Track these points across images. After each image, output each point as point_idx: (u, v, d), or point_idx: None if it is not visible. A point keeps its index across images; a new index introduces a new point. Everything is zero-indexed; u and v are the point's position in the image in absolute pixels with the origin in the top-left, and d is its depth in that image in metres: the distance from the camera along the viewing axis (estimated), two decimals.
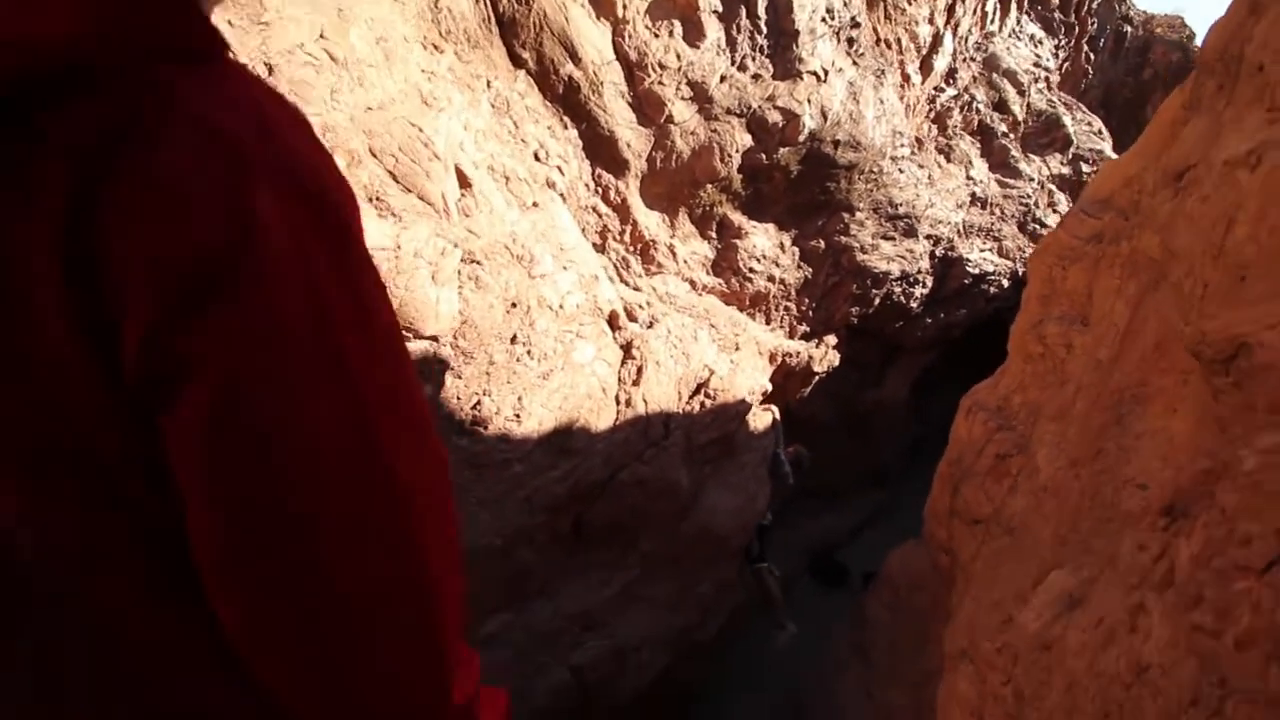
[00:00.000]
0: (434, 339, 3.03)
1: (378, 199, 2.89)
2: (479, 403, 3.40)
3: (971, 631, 1.99)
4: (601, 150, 5.04)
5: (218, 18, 1.93)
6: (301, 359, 0.44)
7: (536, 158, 4.55)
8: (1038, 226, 8.38)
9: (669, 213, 5.71)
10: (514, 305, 3.53)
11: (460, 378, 3.28)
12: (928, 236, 7.36)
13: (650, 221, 5.52)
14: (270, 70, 2.46)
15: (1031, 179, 8.49)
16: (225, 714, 0.50)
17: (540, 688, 4.08)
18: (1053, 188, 8.91)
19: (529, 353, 3.66)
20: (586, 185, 5.08)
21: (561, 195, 4.78)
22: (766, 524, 5.81)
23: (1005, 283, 8.22)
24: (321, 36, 2.78)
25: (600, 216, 5.19)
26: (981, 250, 7.91)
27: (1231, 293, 1.54)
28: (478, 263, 3.31)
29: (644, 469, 4.42)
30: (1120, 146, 10.46)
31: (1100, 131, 9.79)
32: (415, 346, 2.95)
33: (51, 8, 0.41)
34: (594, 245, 5.15)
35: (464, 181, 3.40)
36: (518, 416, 3.58)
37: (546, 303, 3.77)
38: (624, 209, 5.31)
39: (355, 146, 2.80)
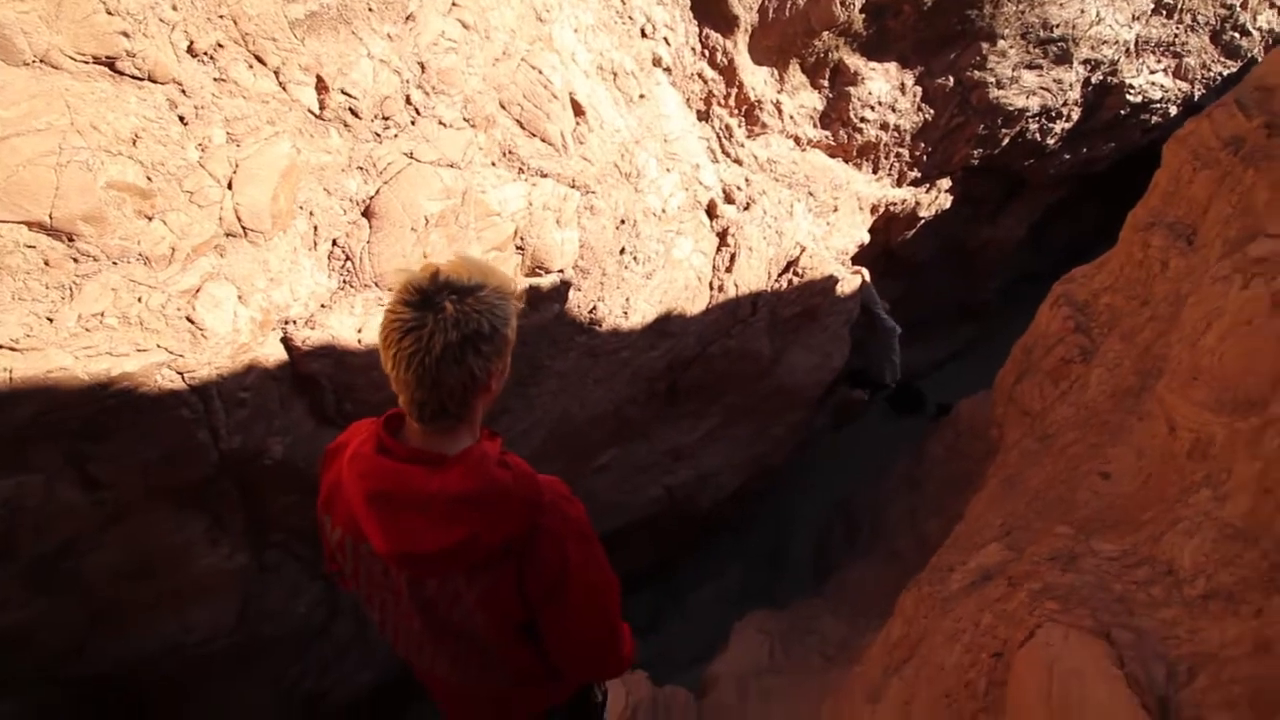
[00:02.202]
0: (560, 271, 3.86)
1: (510, 152, 3.52)
2: (595, 308, 4.32)
3: (954, 553, 2.95)
4: (710, 7, 5.05)
5: (373, 28, 2.54)
6: (596, 573, 1.31)
7: (644, 33, 4.74)
8: (1237, 35, 7.26)
9: (778, 66, 5.69)
10: (622, 222, 4.21)
11: (580, 290, 4.17)
12: (1085, 61, 6.72)
13: (757, 80, 5.59)
14: (423, 68, 3.02)
15: None
16: (534, 668, 1.48)
17: (639, 501, 5.63)
18: None
19: (635, 258, 4.43)
20: (693, 49, 5.19)
21: (666, 69, 5.00)
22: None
23: (1173, 110, 7.49)
24: (454, 5, 3.19)
25: (705, 82, 5.36)
26: (1152, 72, 7.12)
27: (1185, 383, 2.08)
28: (592, 192, 3.95)
29: (730, 342, 5.34)
30: None
31: None
32: (546, 280, 3.82)
33: (508, 523, 1.22)
34: (698, 114, 5.42)
35: (578, 110, 3.87)
36: (625, 314, 4.50)
37: (651, 211, 4.40)
38: (730, 70, 5.40)
39: (490, 111, 3.37)
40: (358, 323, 2.89)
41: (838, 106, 6.16)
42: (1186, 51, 7.12)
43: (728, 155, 5.59)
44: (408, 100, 2.96)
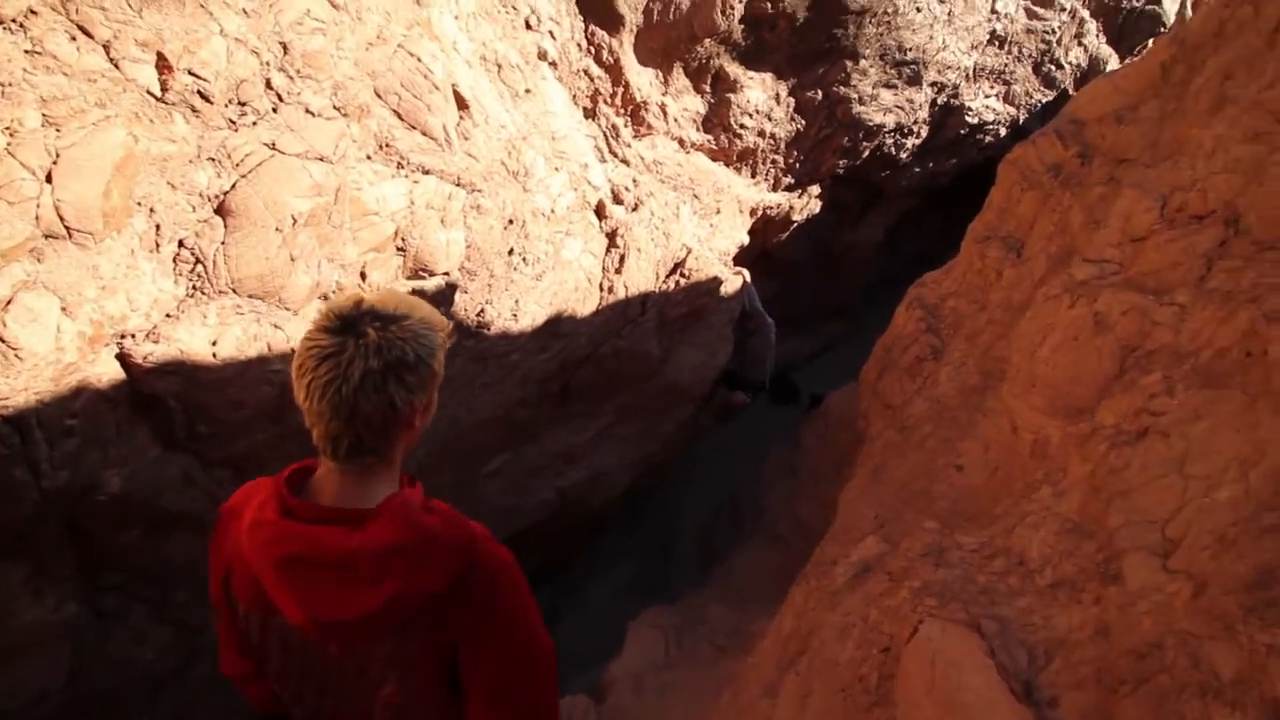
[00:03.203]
0: (446, 274, 3.68)
1: (387, 145, 3.29)
2: (483, 310, 4.16)
3: (825, 546, 3.17)
4: (595, 5, 5.00)
5: (225, 3, 2.29)
6: (529, 623, 1.24)
7: (528, 25, 4.61)
8: (1053, 68, 8.31)
9: (663, 68, 5.76)
10: (510, 222, 4.08)
11: (466, 293, 4.00)
12: (932, 84, 7.40)
13: (643, 81, 5.63)
14: (286, 49, 2.73)
15: (1064, 8, 8.13)
16: None
17: (530, 504, 5.53)
18: (1085, 14, 8.55)
19: (524, 259, 4.31)
20: (579, 45, 5.12)
21: (552, 63, 4.90)
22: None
23: (1002, 131, 8.43)
24: None
25: (592, 80, 5.32)
26: (986, 96, 7.98)
27: (1024, 389, 2.36)
28: (478, 190, 3.79)
29: (621, 343, 5.36)
30: None
31: None
32: (431, 283, 3.63)
33: (440, 570, 1.11)
34: (584, 111, 5.37)
35: (461, 103, 3.70)
36: (515, 316, 4.38)
37: (540, 211, 4.30)
38: (616, 69, 5.40)
39: (364, 99, 3.13)
40: (211, 334, 2.58)
41: (719, 112, 6.35)
42: (1014, 79, 8.04)
43: (615, 155, 5.59)
44: (268, 84, 2.67)
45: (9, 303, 1.98)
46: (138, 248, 2.29)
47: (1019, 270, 4.39)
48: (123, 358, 2.36)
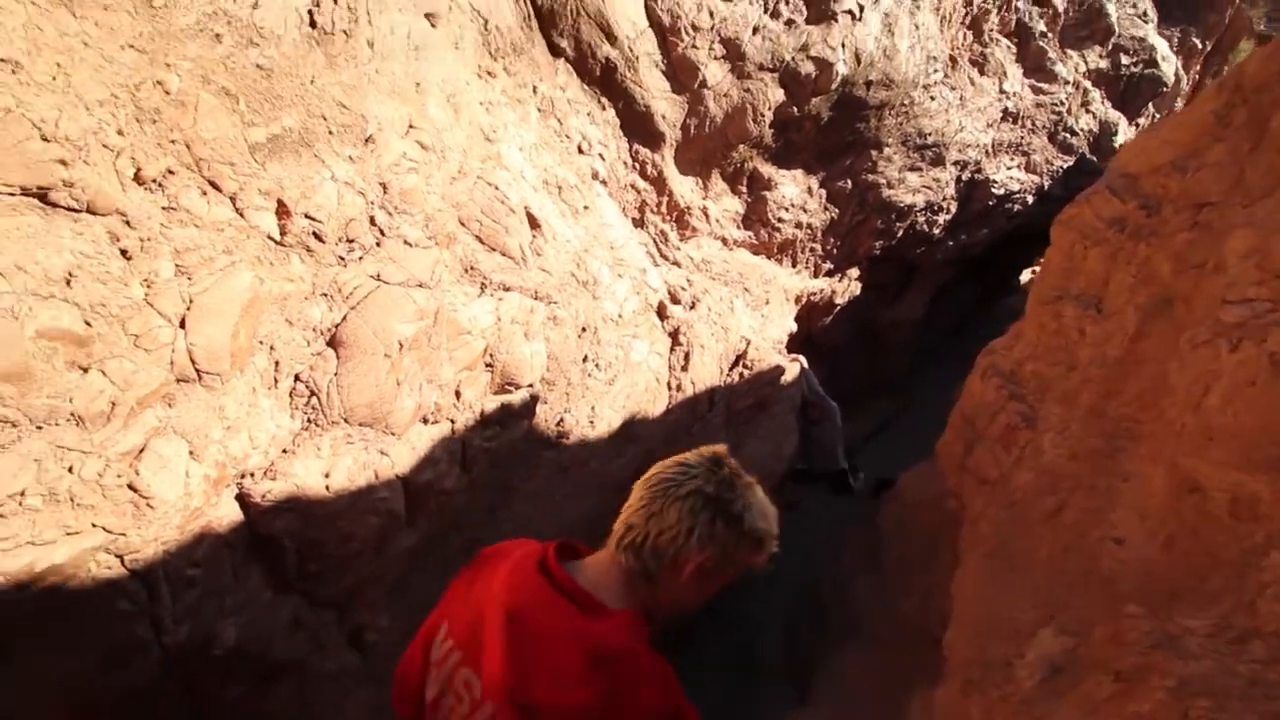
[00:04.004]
0: (530, 385, 3.63)
1: (472, 268, 3.35)
2: (561, 420, 4.08)
3: (978, 642, 2.84)
4: (638, 126, 5.26)
5: (335, 151, 2.36)
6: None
7: (580, 150, 4.83)
8: (1068, 135, 8.52)
9: (702, 175, 5.99)
10: (584, 330, 4.08)
11: (546, 403, 3.93)
12: (955, 162, 7.59)
13: (684, 188, 5.83)
14: (385, 189, 2.84)
15: (1066, 80, 8.46)
16: None
17: None
18: (1088, 85, 8.88)
19: (597, 365, 4.27)
20: (625, 163, 5.35)
21: (603, 181, 5.10)
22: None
23: (1030, 199, 8.53)
24: (411, 128, 3.09)
25: (638, 192, 5.51)
26: (1008, 168, 8.14)
27: (1200, 445, 2.16)
28: (554, 302, 3.81)
29: (692, 440, 5.19)
30: (1166, 8, 10.12)
31: (1145, 14, 9.49)
32: (517, 396, 3.57)
33: (576, 689, 0.96)
34: (634, 221, 5.53)
35: (533, 223, 3.80)
36: (592, 423, 4.28)
37: (609, 317, 4.31)
38: (660, 181, 5.61)
39: (451, 228, 3.22)
40: (324, 466, 2.50)
41: (757, 209, 6.53)
42: (1032, 150, 8.23)
43: (666, 258, 5.70)
44: (372, 221, 2.75)
45: (143, 451, 1.93)
46: (258, 385, 2.27)
47: (1104, 327, 4.22)
48: (242, 498, 2.27)
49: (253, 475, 2.30)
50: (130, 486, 1.88)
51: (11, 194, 1.75)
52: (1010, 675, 2.32)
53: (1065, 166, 8.55)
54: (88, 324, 1.82)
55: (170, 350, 1.99)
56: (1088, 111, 8.64)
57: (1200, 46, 10.65)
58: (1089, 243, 4.56)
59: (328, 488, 2.49)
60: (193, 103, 2.10)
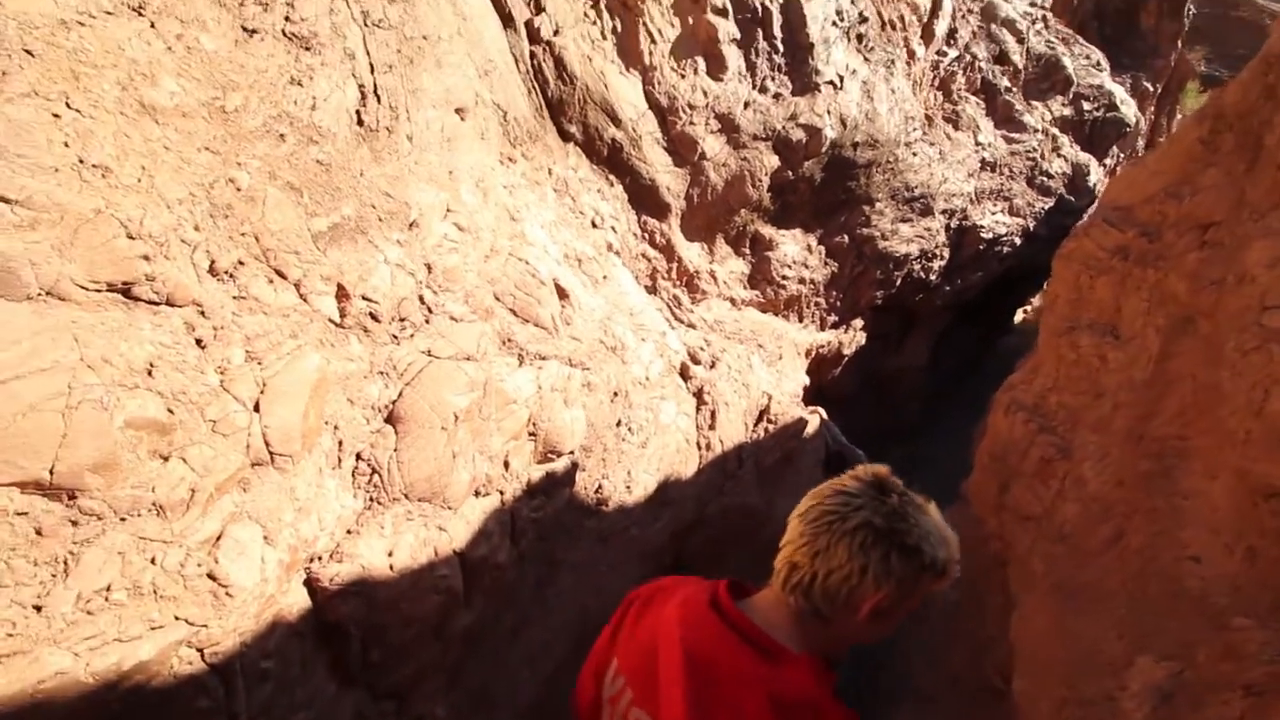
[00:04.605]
0: (571, 452, 3.61)
1: (509, 340, 3.39)
2: (600, 486, 4.03)
3: (1069, 684, 2.73)
4: (645, 199, 5.47)
5: (385, 235, 2.42)
6: None
7: (594, 224, 5.00)
8: (1045, 179, 8.89)
9: (707, 241, 6.18)
10: (615, 394, 4.10)
11: (584, 470, 3.89)
12: (943, 211, 7.87)
13: (691, 254, 6.00)
14: (430, 269, 2.93)
15: (1035, 129, 8.91)
16: None
17: None
18: (1055, 131, 9.34)
19: (630, 429, 4.26)
20: (635, 234, 5.53)
21: (617, 252, 5.25)
22: None
23: (1017, 241, 8.80)
24: (449, 211, 3.21)
25: (649, 261, 5.67)
26: (993, 214, 8.44)
27: (1271, 449, 2.17)
28: (587, 368, 3.85)
29: (725, 500, 5.12)
30: (1115, 55, 10.80)
31: (1099, 63, 10.12)
32: (559, 465, 3.55)
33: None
34: (647, 288, 5.65)
35: (561, 294, 3.89)
36: (629, 488, 4.22)
37: (637, 380, 4.34)
38: (669, 249, 5.78)
39: (488, 303, 3.29)
40: (388, 544, 2.45)
41: (761, 269, 6.70)
42: (1013, 195, 8.57)
43: (681, 321, 5.79)
44: (421, 300, 2.82)
45: (220, 538, 1.90)
46: (324, 465, 2.26)
47: (1126, 351, 4.28)
48: (310, 582, 2.21)
49: (320, 559, 2.25)
50: (210, 575, 1.83)
51: (99, 289, 1.79)
52: (1116, 709, 2.21)
53: (1046, 207, 8.89)
54: (170, 411, 1.82)
55: (246, 434, 1.99)
56: (1059, 155, 9.07)
57: (1152, 90, 11.32)
58: (1094, 273, 4.66)
59: (391, 567, 2.43)
60: (261, 197, 2.20)
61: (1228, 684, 1.79)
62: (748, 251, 6.60)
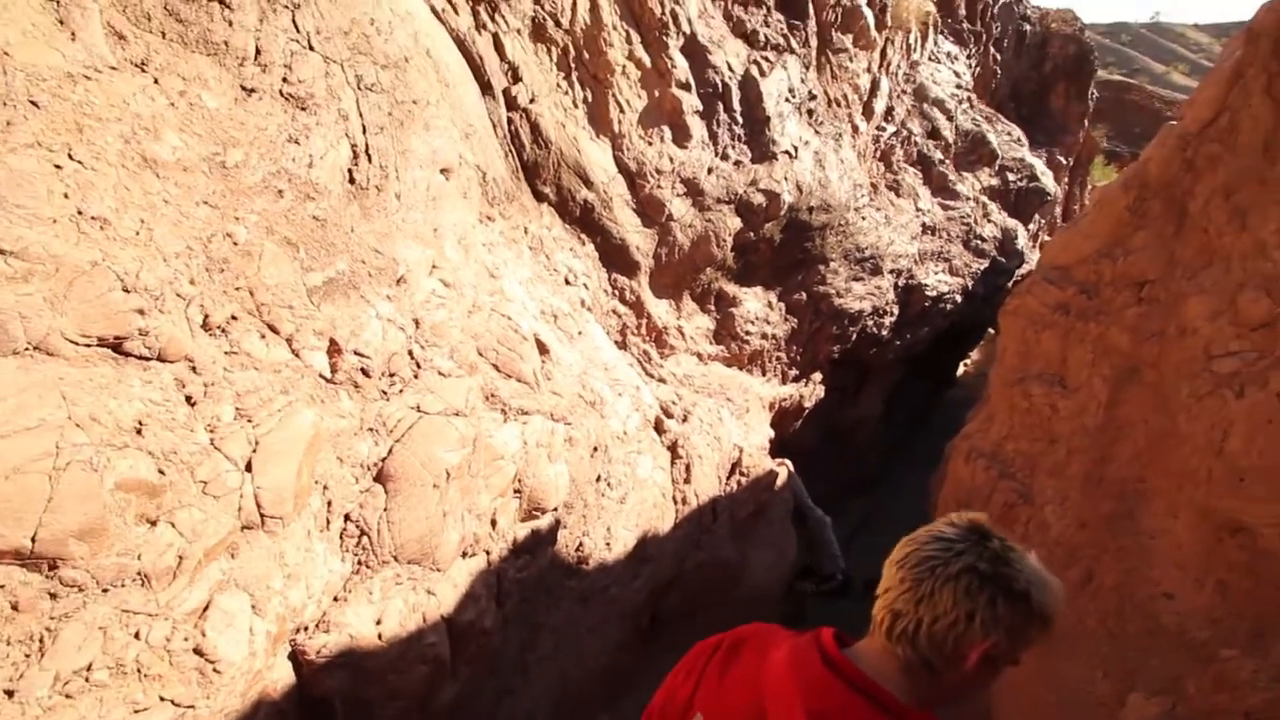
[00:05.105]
0: (554, 509, 3.53)
1: (493, 395, 3.35)
2: (581, 544, 3.93)
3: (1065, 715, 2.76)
4: (615, 257, 5.58)
5: (376, 291, 2.39)
6: None
7: (567, 281, 5.05)
8: (979, 242, 9.51)
9: (675, 298, 6.32)
10: (595, 449, 4.06)
11: (566, 528, 3.80)
12: (891, 270, 8.30)
13: (660, 310, 6.11)
14: (418, 324, 2.89)
15: (968, 197, 9.60)
16: None
17: None
18: (985, 199, 10.08)
19: (609, 484, 4.21)
20: (606, 291, 5.61)
21: (589, 308, 5.30)
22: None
23: (958, 298, 9.31)
24: (434, 268, 3.21)
25: (620, 317, 5.74)
26: (936, 273, 8.94)
27: (1233, 487, 2.32)
28: (568, 423, 3.82)
29: (701, 554, 5.06)
30: (1031, 133, 11.80)
31: (1019, 139, 11.07)
32: (544, 522, 3.46)
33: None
34: (617, 343, 5.69)
35: (542, 349, 3.89)
36: (608, 545, 4.14)
37: (616, 435, 4.32)
38: (638, 305, 5.87)
39: (472, 359, 3.26)
40: (376, 611, 2.32)
41: (725, 325, 6.87)
42: (952, 256, 9.13)
43: (652, 376, 5.84)
44: (410, 355, 2.77)
45: (207, 608, 1.77)
46: (312, 528, 2.15)
47: (1075, 400, 4.52)
48: (295, 655, 2.06)
49: (307, 628, 2.10)
50: (197, 650, 1.69)
51: (89, 344, 1.71)
52: None
53: (982, 268, 9.49)
54: (161, 472, 1.72)
55: (238, 495, 1.88)
56: (990, 221, 9.76)
57: (1065, 163, 12.40)
58: (1039, 327, 4.96)
59: (380, 635, 2.29)
60: (258, 252, 2.16)
61: (1226, 713, 1.85)
62: (713, 308, 6.77)
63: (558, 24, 4.93)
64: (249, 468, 1.95)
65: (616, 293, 5.75)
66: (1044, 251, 5.33)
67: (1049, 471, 4.58)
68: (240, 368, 2.08)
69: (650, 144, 5.67)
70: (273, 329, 2.20)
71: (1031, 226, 11.45)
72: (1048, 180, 10.69)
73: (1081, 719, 2.60)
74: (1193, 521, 2.63)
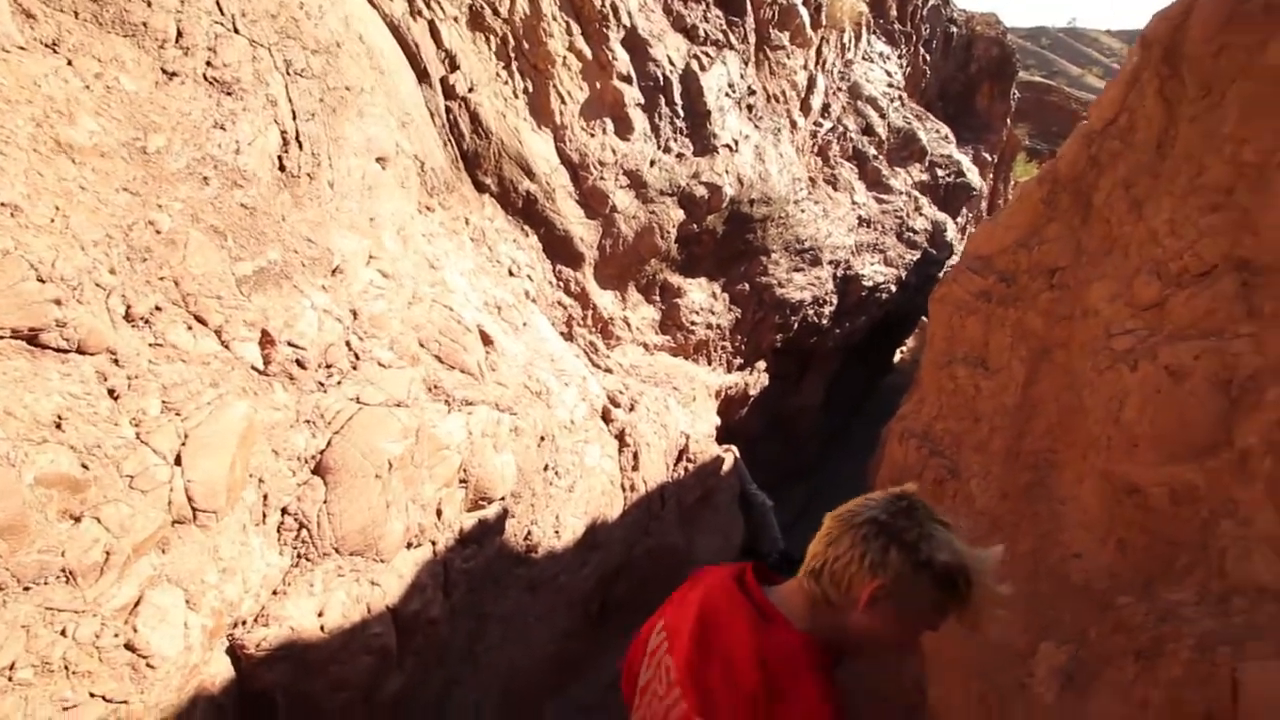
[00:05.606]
0: (502, 499, 3.55)
1: (436, 386, 3.33)
2: (529, 533, 3.96)
3: (983, 677, 2.97)
4: (560, 249, 5.60)
5: (310, 281, 2.38)
6: None
7: (511, 273, 5.04)
8: (911, 234, 9.92)
9: (620, 289, 6.37)
10: (543, 438, 4.09)
11: (514, 517, 3.82)
12: (830, 261, 8.58)
13: (605, 301, 6.16)
14: (355, 315, 2.86)
15: (900, 191, 9.99)
16: None
17: None
18: (917, 194, 10.51)
19: (557, 473, 4.25)
20: (550, 282, 5.62)
21: (534, 300, 5.30)
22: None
23: (893, 288, 9.70)
24: (372, 258, 3.16)
25: (565, 308, 5.76)
26: (872, 264, 9.29)
27: (1128, 452, 2.54)
28: (514, 413, 3.83)
29: (649, 540, 5.16)
30: (958, 131, 12.36)
31: (947, 136, 11.57)
32: (491, 511, 3.47)
33: (741, 682, 1.02)
34: (563, 334, 5.72)
35: (486, 340, 3.88)
36: (557, 533, 4.18)
37: (562, 424, 4.36)
38: (584, 296, 5.91)
39: (414, 350, 3.23)
40: (318, 604, 2.30)
41: (671, 315, 6.97)
42: (886, 248, 9.49)
43: (599, 366, 5.89)
44: (348, 346, 2.74)
45: (138, 604, 1.73)
46: (248, 522, 2.12)
47: (996, 380, 4.81)
48: (234, 650, 2.03)
49: (245, 623, 2.07)
50: (129, 646, 1.65)
51: (2, 336, 1.64)
52: (1027, 694, 2.44)
53: (914, 259, 9.91)
54: (84, 467, 1.67)
55: (168, 489, 1.84)
56: (921, 214, 10.20)
57: (989, 159, 13.04)
58: (964, 313, 5.24)
59: (322, 628, 2.28)
60: (183, 240, 2.10)
61: (1120, 653, 2.05)
62: (658, 299, 6.86)
63: (496, 12, 4.89)
64: (178, 461, 1.90)
65: (561, 284, 5.77)
66: (968, 242, 5.62)
67: (974, 448, 4.86)
68: (166, 360, 2.02)
69: (593, 136, 5.70)
70: (200, 320, 2.15)
71: (960, 220, 12.00)
72: (974, 176, 11.23)
73: (1001, 669, 2.81)
74: (1096, 486, 2.86)
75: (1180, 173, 2.71)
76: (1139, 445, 2.47)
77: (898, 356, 14.49)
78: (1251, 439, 1.97)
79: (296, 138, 2.81)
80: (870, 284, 9.25)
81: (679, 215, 6.42)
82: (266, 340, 2.34)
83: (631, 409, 5.50)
